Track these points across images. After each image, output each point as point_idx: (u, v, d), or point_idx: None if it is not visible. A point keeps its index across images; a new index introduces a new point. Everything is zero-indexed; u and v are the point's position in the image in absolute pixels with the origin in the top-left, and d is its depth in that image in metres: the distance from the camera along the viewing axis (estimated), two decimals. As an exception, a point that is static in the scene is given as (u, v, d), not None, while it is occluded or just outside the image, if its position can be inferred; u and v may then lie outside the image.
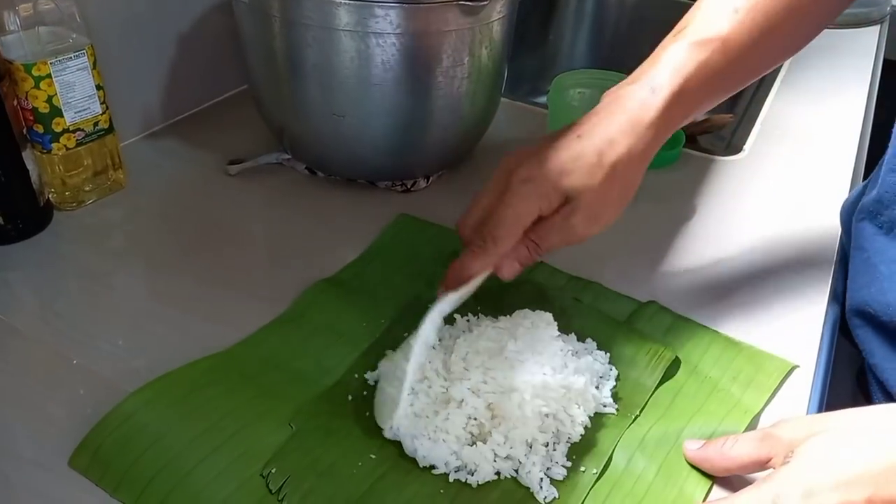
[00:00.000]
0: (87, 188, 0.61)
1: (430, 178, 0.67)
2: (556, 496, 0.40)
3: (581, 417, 0.43)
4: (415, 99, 0.60)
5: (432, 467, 0.41)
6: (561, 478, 0.41)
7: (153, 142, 0.70)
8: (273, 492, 0.39)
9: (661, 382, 0.48)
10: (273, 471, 0.39)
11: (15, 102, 0.55)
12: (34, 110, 0.55)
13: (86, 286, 0.53)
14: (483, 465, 0.41)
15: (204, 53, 0.75)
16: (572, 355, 0.46)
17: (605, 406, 0.45)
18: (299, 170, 0.67)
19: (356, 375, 0.47)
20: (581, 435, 0.43)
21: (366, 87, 0.58)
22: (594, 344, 0.49)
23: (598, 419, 0.45)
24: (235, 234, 0.60)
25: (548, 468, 0.41)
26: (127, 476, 0.39)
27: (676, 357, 0.49)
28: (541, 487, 0.40)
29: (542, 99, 0.88)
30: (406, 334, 0.50)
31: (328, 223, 0.62)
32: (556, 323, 0.48)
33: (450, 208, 0.64)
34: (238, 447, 0.41)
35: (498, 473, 0.41)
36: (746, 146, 0.78)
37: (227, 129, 0.73)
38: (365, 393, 0.45)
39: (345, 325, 0.50)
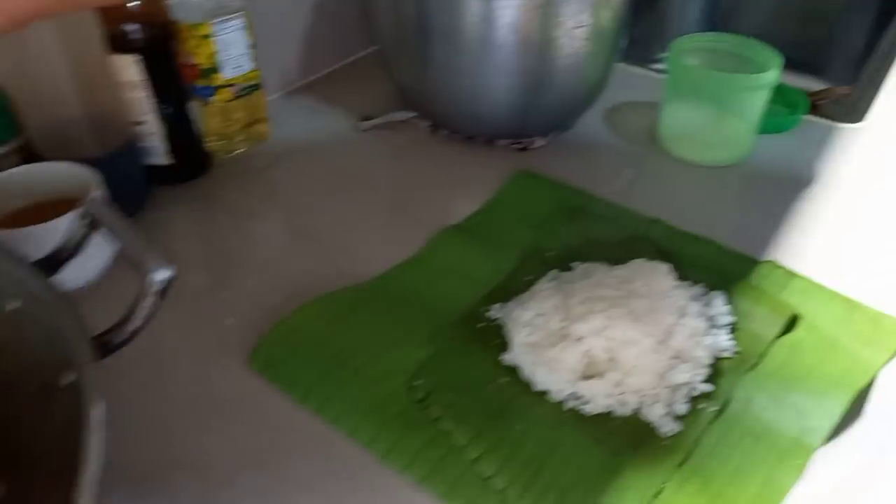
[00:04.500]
0: (238, 139, 0.67)
1: (547, 138, 0.70)
2: (678, 430, 0.43)
3: (704, 360, 0.45)
4: (536, 60, 0.63)
5: (547, 393, 0.45)
6: (681, 414, 0.43)
7: (291, 99, 0.77)
8: (418, 401, 0.44)
9: (779, 337, 0.49)
10: (418, 383, 0.44)
11: (181, 60, 0.62)
12: (198, 66, 0.62)
13: (239, 224, 0.60)
14: (597, 399, 0.44)
15: (335, 17, 0.80)
16: (692, 301, 0.48)
17: (724, 351, 0.47)
18: (423, 127, 0.71)
19: (482, 309, 0.51)
20: (703, 378, 0.45)
21: (490, 48, 0.61)
22: (713, 292, 0.51)
23: (718, 364, 0.47)
24: (366, 183, 0.65)
25: (669, 405, 0.44)
26: (295, 377, 0.45)
27: (794, 314, 0.50)
28: (662, 423, 0.43)
29: (654, 65, 0.88)
30: (528, 278, 0.53)
31: (450, 177, 0.66)
32: (674, 273, 0.50)
33: (566, 167, 0.67)
34: (386, 363, 0.46)
35: (611, 410, 0.44)
36: (871, 114, 0.75)
37: (358, 88, 0.78)
38: (493, 324, 0.49)
39: (470, 267, 0.55)
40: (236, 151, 0.68)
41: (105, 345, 0.34)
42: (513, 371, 0.46)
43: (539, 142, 0.69)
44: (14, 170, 0.51)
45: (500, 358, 0.47)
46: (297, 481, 0.41)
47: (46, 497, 0.33)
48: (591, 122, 0.74)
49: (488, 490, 0.40)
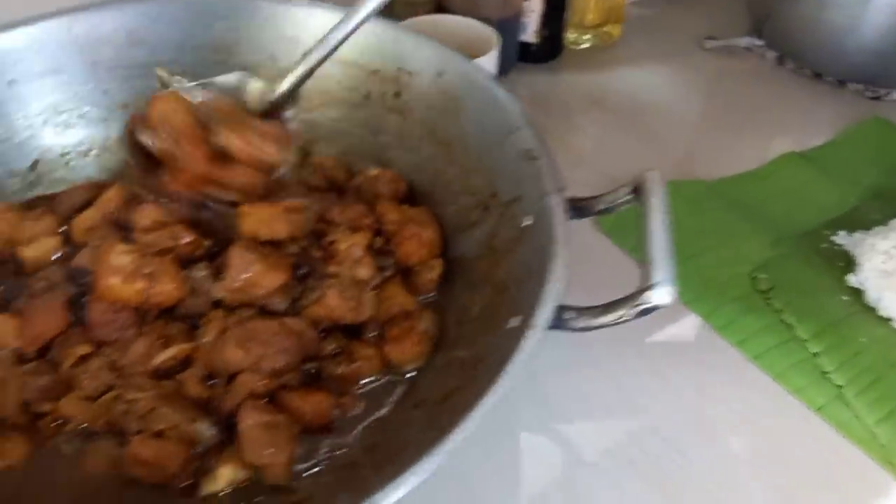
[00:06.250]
0: (588, 35, 0.72)
1: (905, 92, 0.66)
2: None
3: None
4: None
5: (892, 320, 0.45)
6: None
7: (639, 9, 0.79)
8: (761, 291, 0.47)
9: None
10: (762, 277, 0.47)
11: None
12: (578, -41, 0.67)
13: (579, 112, 0.66)
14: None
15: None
16: None
17: None
18: (768, 57, 0.71)
19: (826, 233, 0.52)
20: None
21: (886, -19, 0.59)
22: None
23: None
24: (704, 97, 0.68)
25: None
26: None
27: None
28: None
29: None
30: (876, 216, 0.53)
31: (791, 109, 0.66)
32: None
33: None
34: (731, 251, 0.49)
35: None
36: None
37: (704, 10, 0.79)
38: (837, 248, 0.50)
39: (814, 193, 0.55)
40: (582, 46, 0.73)
41: (563, 319, 0.34)
42: (856, 293, 0.47)
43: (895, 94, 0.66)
44: (428, 17, 0.61)
45: (844, 278, 0.48)
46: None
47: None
48: (954, 89, 0.69)
49: (824, 382, 0.42)
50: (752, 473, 0.40)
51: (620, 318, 0.33)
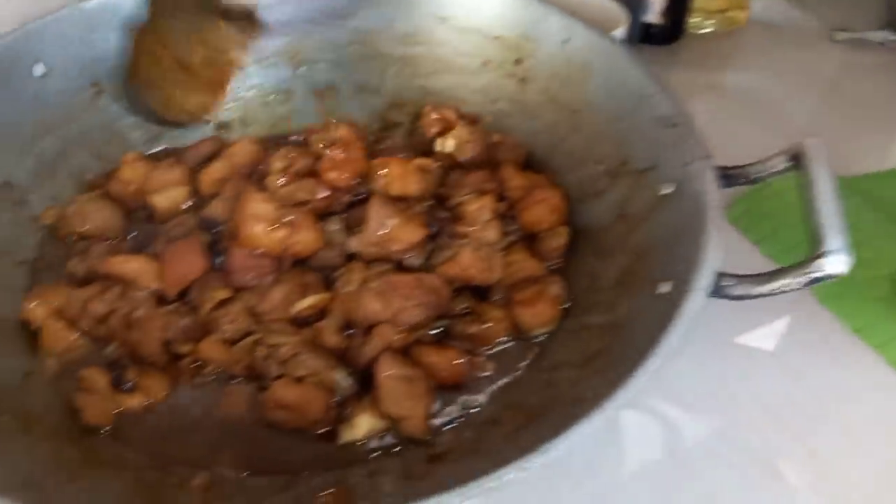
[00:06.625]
0: (711, 20, 0.69)
1: None
2: None
3: None
4: None
5: None
6: None
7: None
8: (902, 294, 0.44)
9: None
10: (903, 278, 0.45)
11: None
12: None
13: (697, 93, 0.63)
14: None
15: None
16: None
17: None
18: (905, 53, 0.67)
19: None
20: None
21: None
22: None
23: None
24: (831, 90, 0.65)
25: None
26: (767, 235, 0.48)
27: None
28: None
29: None
30: None
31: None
32: None
33: None
34: (872, 249, 0.47)
35: None
36: None
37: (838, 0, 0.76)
38: None
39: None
40: (704, 30, 0.70)
41: (721, 286, 0.32)
42: None
43: None
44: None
45: None
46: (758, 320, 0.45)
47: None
48: None
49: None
50: (887, 481, 0.38)
51: (784, 286, 0.32)
